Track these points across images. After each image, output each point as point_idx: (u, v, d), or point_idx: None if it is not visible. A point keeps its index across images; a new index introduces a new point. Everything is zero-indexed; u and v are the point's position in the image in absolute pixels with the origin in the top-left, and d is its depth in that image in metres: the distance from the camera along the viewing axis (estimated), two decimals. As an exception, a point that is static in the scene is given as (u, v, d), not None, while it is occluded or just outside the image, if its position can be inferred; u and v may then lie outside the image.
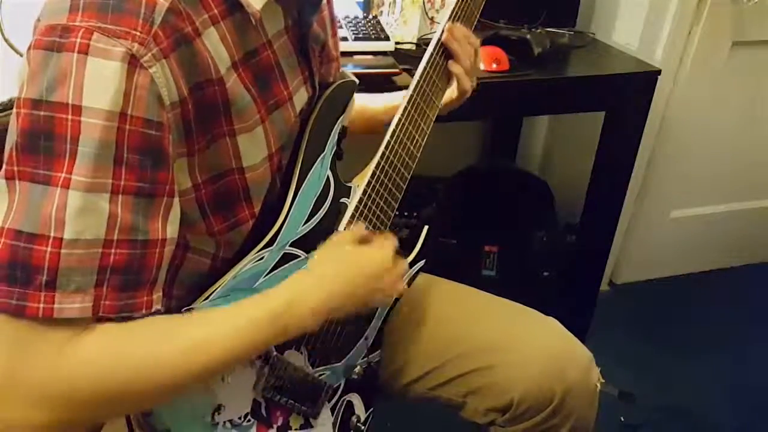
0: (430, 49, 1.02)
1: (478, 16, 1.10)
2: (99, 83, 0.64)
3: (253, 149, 0.79)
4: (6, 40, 1.24)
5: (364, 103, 1.14)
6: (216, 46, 0.73)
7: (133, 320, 0.70)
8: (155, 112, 0.67)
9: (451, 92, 1.07)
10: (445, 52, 1.03)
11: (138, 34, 0.65)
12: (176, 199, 0.73)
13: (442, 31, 1.01)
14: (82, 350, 0.67)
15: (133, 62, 0.65)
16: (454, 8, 1.04)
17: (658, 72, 1.74)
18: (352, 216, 0.90)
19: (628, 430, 1.78)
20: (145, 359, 0.70)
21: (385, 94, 1.17)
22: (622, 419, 1.79)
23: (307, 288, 0.80)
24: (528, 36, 1.66)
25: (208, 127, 0.74)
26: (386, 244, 0.88)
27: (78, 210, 0.64)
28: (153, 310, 0.71)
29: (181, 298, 0.83)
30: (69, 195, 0.64)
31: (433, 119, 1.02)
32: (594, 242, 1.98)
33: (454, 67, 1.03)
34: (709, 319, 2.20)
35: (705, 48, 1.98)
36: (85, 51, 0.64)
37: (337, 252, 0.86)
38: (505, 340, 1.06)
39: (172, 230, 0.72)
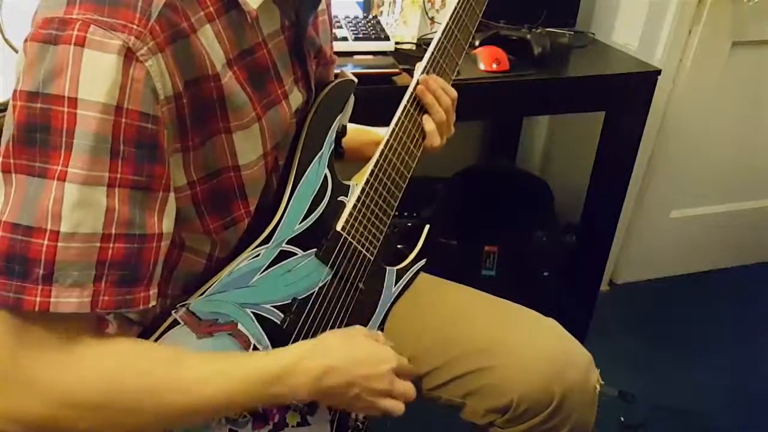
0: (431, 46, 1.01)
1: (480, 15, 1.10)
2: (95, 76, 0.64)
3: (248, 147, 0.80)
4: (6, 40, 1.24)
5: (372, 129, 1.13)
6: (211, 43, 0.73)
7: (145, 342, 0.72)
8: (151, 106, 0.67)
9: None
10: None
11: (135, 27, 0.65)
12: (172, 194, 0.73)
13: (416, 83, 0.99)
14: (93, 358, 0.68)
15: (129, 55, 0.65)
16: (455, 6, 1.04)
17: (658, 72, 1.74)
18: (350, 214, 0.90)
19: (628, 431, 1.78)
20: (140, 383, 0.71)
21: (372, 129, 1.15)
22: (622, 419, 1.79)
23: (307, 356, 0.79)
24: (528, 36, 1.66)
25: (204, 123, 0.74)
26: (398, 356, 0.87)
27: (75, 203, 0.64)
28: (150, 305, 0.71)
29: (176, 297, 0.83)
30: (65, 188, 0.64)
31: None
32: (594, 242, 1.98)
33: (427, 124, 1.00)
34: (709, 319, 2.20)
35: (705, 48, 1.98)
36: (81, 43, 0.64)
37: (349, 335, 0.86)
38: (505, 341, 1.06)
39: (167, 225, 0.72)
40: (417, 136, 0.99)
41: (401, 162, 0.97)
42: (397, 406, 0.85)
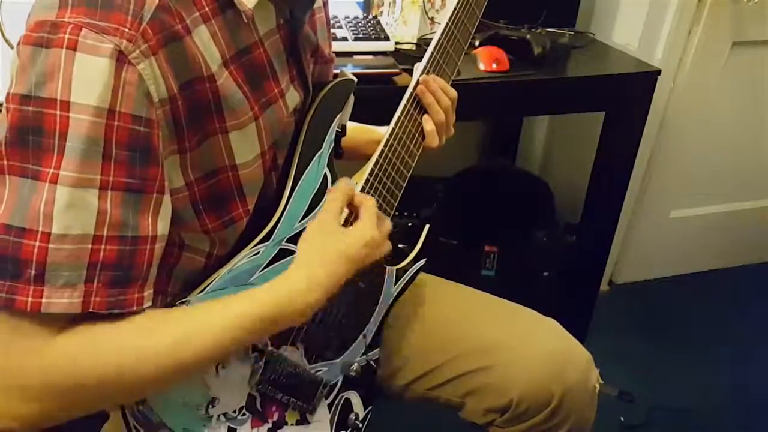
0: (432, 44, 1.01)
1: (480, 16, 1.10)
2: (87, 79, 0.64)
3: (246, 147, 0.80)
4: (6, 41, 1.24)
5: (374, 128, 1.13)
6: (207, 44, 0.73)
7: (122, 316, 0.71)
8: (143, 109, 0.67)
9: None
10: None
11: (126, 30, 0.65)
12: (167, 196, 0.73)
13: (416, 82, 0.99)
14: (65, 343, 0.68)
15: (121, 59, 0.65)
16: (455, 7, 1.04)
17: (658, 72, 1.74)
18: (350, 213, 0.90)
19: (628, 431, 1.78)
20: (128, 353, 0.70)
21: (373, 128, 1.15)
22: (622, 419, 1.79)
23: (295, 278, 0.79)
24: (528, 36, 1.66)
25: (200, 124, 0.74)
26: (366, 215, 0.85)
27: (65, 205, 0.65)
28: (144, 307, 0.71)
29: (176, 295, 0.83)
30: (57, 190, 0.64)
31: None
32: (594, 242, 1.98)
33: (426, 124, 1.00)
34: (709, 319, 2.20)
35: (705, 48, 1.98)
36: (73, 47, 0.64)
37: (321, 240, 0.83)
38: (504, 341, 1.06)
39: (162, 227, 0.72)
40: (417, 135, 0.99)
41: (401, 161, 0.97)
42: (385, 250, 0.87)
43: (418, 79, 0.99)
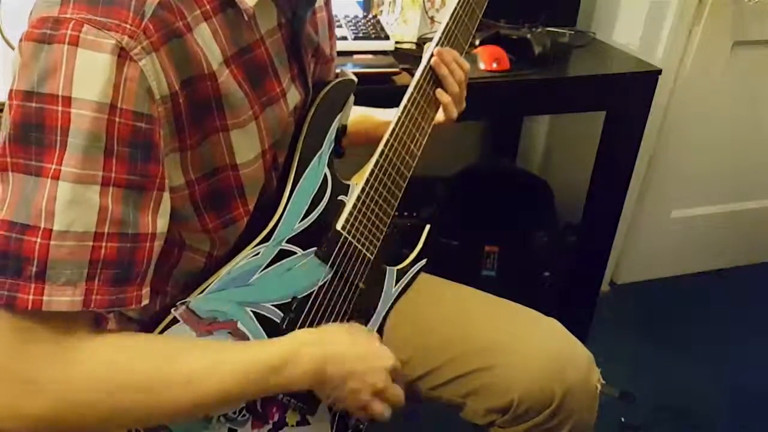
0: (432, 43, 1.01)
1: (480, 15, 1.09)
2: (89, 75, 0.64)
3: (246, 145, 0.79)
4: (5, 40, 1.24)
5: (373, 113, 1.14)
6: (208, 42, 0.73)
7: (146, 336, 0.72)
8: (145, 105, 0.67)
9: (438, 116, 1.05)
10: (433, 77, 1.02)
11: (128, 26, 0.65)
12: (166, 194, 0.73)
13: (422, 72, 0.99)
14: (85, 355, 0.68)
15: (122, 55, 0.65)
16: (455, 7, 1.04)
17: (659, 72, 1.74)
18: (350, 213, 0.90)
19: (629, 431, 1.78)
20: (140, 378, 0.71)
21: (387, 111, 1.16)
22: (623, 419, 1.79)
23: (308, 343, 0.80)
24: (528, 35, 1.66)
25: (201, 122, 0.74)
26: (395, 357, 0.87)
27: (68, 201, 0.65)
28: (142, 304, 0.72)
29: (176, 295, 0.83)
30: (59, 186, 0.64)
31: (434, 117, 1.02)
32: (594, 242, 1.98)
33: (442, 96, 1.02)
34: (709, 319, 2.20)
35: (706, 48, 1.98)
36: (75, 43, 0.64)
37: (351, 329, 0.86)
38: (505, 341, 1.06)
39: (162, 224, 0.72)
40: (417, 135, 0.99)
41: (401, 161, 0.97)
42: (387, 411, 0.86)
43: (432, 52, 0.99)
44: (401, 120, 0.96)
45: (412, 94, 0.98)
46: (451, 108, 1.04)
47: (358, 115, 1.11)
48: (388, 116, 1.10)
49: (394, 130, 0.95)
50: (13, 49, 1.23)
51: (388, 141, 0.95)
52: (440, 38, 1.01)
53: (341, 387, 0.82)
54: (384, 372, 0.84)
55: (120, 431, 0.79)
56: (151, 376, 0.71)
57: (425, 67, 1.00)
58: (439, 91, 1.02)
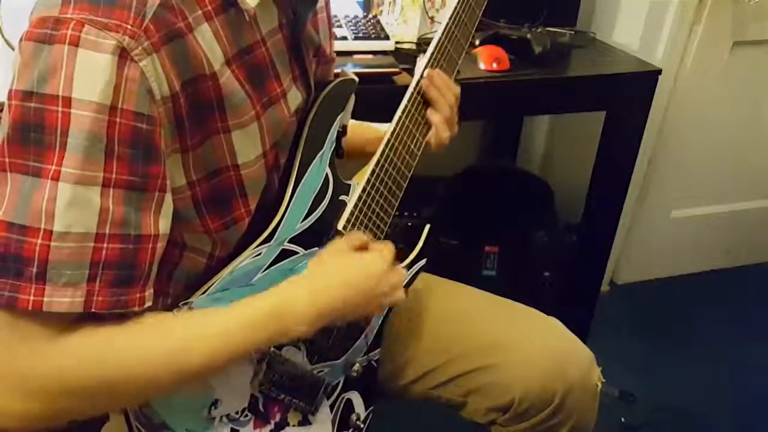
0: (431, 47, 1.01)
1: (480, 15, 1.09)
2: (89, 75, 0.64)
3: (248, 146, 0.79)
4: (5, 40, 1.24)
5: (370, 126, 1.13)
6: (209, 43, 0.73)
7: (125, 317, 0.71)
8: (146, 106, 0.67)
9: (428, 138, 1.02)
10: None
11: (129, 27, 0.65)
12: (168, 195, 0.73)
13: (421, 76, 0.98)
14: (71, 343, 0.68)
15: (123, 55, 0.65)
16: (455, 7, 1.04)
17: (659, 72, 1.74)
18: (351, 213, 0.90)
19: (629, 431, 1.78)
20: (131, 355, 0.70)
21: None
22: (623, 419, 1.79)
23: (299, 292, 0.79)
24: (528, 35, 1.66)
25: (202, 123, 0.74)
26: (384, 251, 0.87)
27: (68, 202, 0.64)
28: (145, 306, 0.71)
29: (178, 296, 0.83)
30: (59, 187, 0.64)
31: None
32: (594, 242, 1.98)
33: (433, 116, 0.99)
34: (709, 319, 2.20)
35: (705, 48, 1.98)
36: (75, 43, 0.64)
37: (333, 259, 0.85)
38: (506, 340, 1.06)
39: (164, 226, 0.72)
40: (418, 135, 0.99)
41: (402, 161, 0.97)
42: (396, 297, 0.86)
43: (421, 75, 0.98)
44: (401, 120, 0.96)
45: (412, 93, 0.98)
46: (442, 128, 1.00)
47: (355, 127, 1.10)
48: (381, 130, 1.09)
49: (394, 129, 0.95)
50: (13, 49, 1.23)
51: (388, 141, 0.95)
52: (429, 60, 0.99)
53: (343, 312, 0.82)
54: (378, 277, 0.84)
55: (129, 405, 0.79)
56: (144, 347, 0.71)
57: (413, 89, 0.98)
58: (430, 111, 0.99)
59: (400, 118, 0.96)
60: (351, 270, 0.83)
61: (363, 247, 0.87)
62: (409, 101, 0.98)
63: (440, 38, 1.02)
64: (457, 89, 1.03)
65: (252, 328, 0.75)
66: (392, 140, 0.95)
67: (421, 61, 1.01)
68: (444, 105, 0.99)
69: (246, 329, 0.75)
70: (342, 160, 0.94)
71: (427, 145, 1.01)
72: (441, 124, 0.99)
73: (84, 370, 0.68)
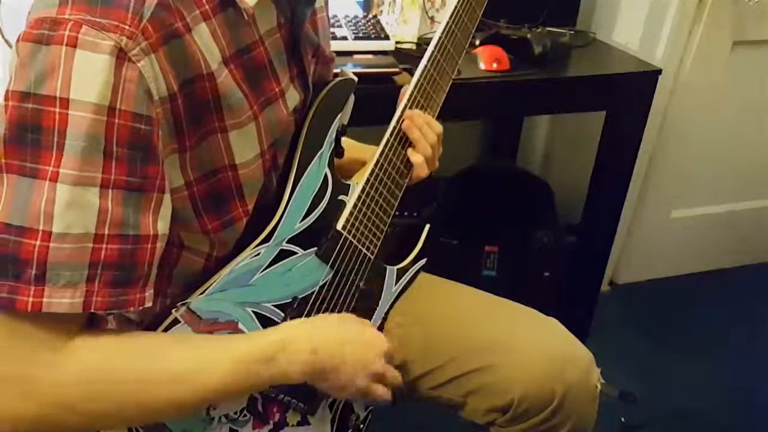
0: (425, 59, 1.00)
1: (480, 15, 1.09)
2: (87, 76, 0.64)
3: (245, 146, 0.79)
4: (5, 40, 1.24)
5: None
6: (207, 42, 0.73)
7: (130, 334, 0.72)
8: (144, 107, 0.67)
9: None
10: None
11: (127, 27, 0.65)
12: (167, 195, 0.73)
13: (401, 116, 0.96)
14: (77, 357, 0.68)
15: (121, 56, 0.65)
16: (456, 6, 1.03)
17: (659, 72, 1.74)
18: (351, 213, 0.90)
19: (629, 431, 1.78)
20: (134, 376, 0.71)
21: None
22: (623, 419, 1.78)
23: (299, 333, 0.80)
24: (528, 35, 1.66)
25: (200, 123, 0.74)
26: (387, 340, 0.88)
27: (66, 204, 0.64)
28: (145, 306, 0.71)
29: (176, 296, 0.83)
30: (57, 188, 0.64)
31: (434, 117, 1.02)
32: (594, 242, 1.98)
33: (414, 157, 0.98)
34: (709, 319, 2.20)
35: (706, 48, 1.98)
36: (73, 44, 0.64)
37: (341, 317, 0.87)
38: (506, 340, 1.06)
39: (163, 226, 0.72)
40: (402, 167, 0.99)
41: (402, 161, 0.97)
42: (387, 394, 0.87)
43: (403, 112, 0.96)
44: (401, 120, 0.96)
45: (412, 93, 0.98)
46: (423, 168, 0.99)
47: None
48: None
49: (394, 129, 0.95)
50: (12, 48, 1.23)
51: (388, 141, 0.95)
52: (413, 91, 0.97)
53: (337, 376, 0.81)
54: (378, 356, 0.84)
55: (119, 429, 0.79)
56: (139, 375, 0.71)
57: (395, 125, 0.97)
58: (410, 151, 0.98)
59: (400, 117, 0.96)
60: (350, 332, 0.84)
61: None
62: (409, 99, 0.98)
63: (440, 38, 1.02)
64: (440, 127, 1.00)
65: (249, 366, 0.76)
66: (392, 140, 0.95)
67: (407, 86, 0.99)
68: (425, 145, 0.97)
69: (243, 366, 0.76)
70: (340, 160, 0.94)
71: (411, 177, 1.00)
72: (422, 165, 0.98)
73: (86, 386, 0.69)
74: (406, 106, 0.97)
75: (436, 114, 1.03)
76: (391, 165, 0.95)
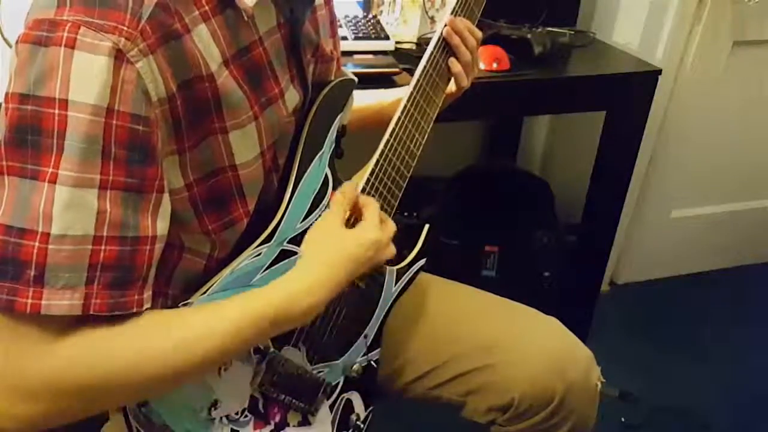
0: (430, 47, 1.02)
1: (479, 15, 1.10)
2: (86, 78, 0.64)
3: (245, 146, 0.79)
4: (5, 40, 1.24)
5: (380, 98, 1.15)
6: (206, 43, 0.73)
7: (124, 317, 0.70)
8: (142, 108, 0.67)
9: (449, 87, 1.07)
10: (446, 48, 1.03)
11: (125, 28, 0.65)
12: (166, 196, 0.73)
13: (444, 26, 1.01)
14: (67, 346, 0.67)
15: (119, 57, 0.65)
16: (454, 6, 1.04)
17: (659, 72, 1.74)
18: (352, 216, 0.90)
19: (629, 431, 1.78)
20: (135, 352, 0.70)
21: (394, 90, 1.17)
22: (623, 419, 1.79)
23: (297, 279, 0.80)
24: (528, 35, 1.66)
25: (199, 124, 0.74)
26: (370, 217, 0.87)
27: (65, 205, 0.64)
28: (144, 308, 0.71)
29: (177, 297, 0.83)
30: (56, 190, 0.64)
31: (434, 117, 1.02)
32: (594, 242, 1.98)
33: (454, 66, 1.03)
34: (709, 319, 2.20)
35: (706, 48, 1.98)
36: (72, 45, 0.64)
37: (324, 242, 0.84)
38: (506, 339, 1.06)
39: (162, 227, 0.72)
40: (417, 135, 0.99)
41: (401, 161, 0.97)
42: (390, 252, 0.88)
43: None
44: (401, 120, 0.96)
45: (412, 91, 0.98)
46: (462, 78, 1.05)
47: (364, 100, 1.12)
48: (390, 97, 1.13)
49: (393, 130, 0.95)
50: (11, 48, 1.23)
51: (388, 141, 0.95)
52: (452, 11, 1.03)
53: (347, 281, 0.83)
54: (374, 251, 0.85)
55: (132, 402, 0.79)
56: (147, 344, 0.70)
57: (438, 39, 1.02)
58: (451, 60, 1.03)
59: (400, 117, 0.96)
60: (344, 252, 0.83)
61: (354, 211, 0.88)
62: (408, 100, 0.98)
63: (439, 38, 1.02)
64: (479, 33, 1.06)
65: (254, 317, 0.75)
66: (391, 141, 0.95)
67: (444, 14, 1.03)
68: (465, 51, 1.03)
69: (249, 318, 0.75)
70: (341, 160, 0.95)
71: (448, 93, 1.05)
72: (461, 74, 1.04)
73: (83, 372, 0.68)
74: (406, 103, 0.97)
75: (435, 114, 1.03)
76: (391, 165, 0.95)
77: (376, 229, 0.86)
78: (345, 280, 0.82)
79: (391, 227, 0.90)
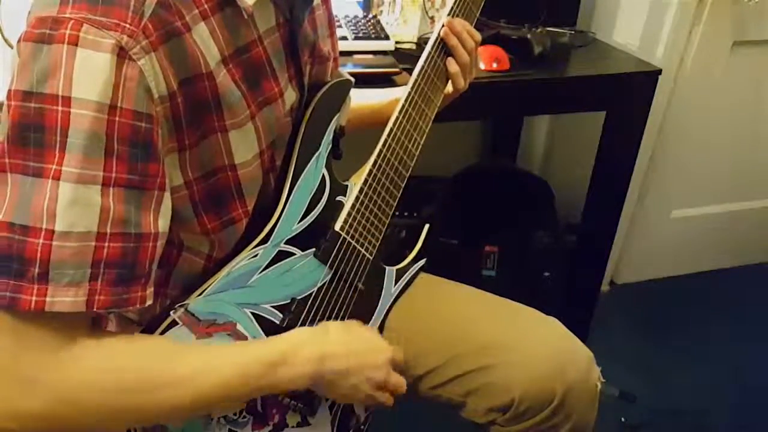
0: (428, 47, 1.02)
1: (477, 14, 1.10)
2: (88, 75, 0.64)
3: (244, 146, 0.79)
4: (5, 40, 1.24)
5: (378, 98, 1.15)
6: (206, 42, 0.73)
7: (134, 335, 0.72)
8: (144, 105, 0.67)
9: (447, 88, 1.07)
10: (444, 49, 1.03)
11: (127, 26, 0.65)
12: (167, 193, 0.73)
13: (441, 26, 1.01)
14: (84, 355, 0.68)
15: (122, 54, 0.65)
16: (452, 6, 1.04)
17: (659, 72, 1.74)
18: (349, 214, 0.90)
19: (629, 431, 1.78)
20: (138, 377, 0.71)
21: (393, 90, 1.17)
22: (623, 419, 1.78)
23: (306, 340, 0.81)
24: (528, 35, 1.66)
25: (199, 122, 0.74)
26: (393, 348, 0.89)
27: (69, 202, 0.64)
28: (146, 304, 0.71)
29: (175, 297, 0.83)
30: (60, 187, 0.64)
31: (432, 118, 1.02)
32: (594, 242, 1.98)
33: (451, 67, 1.03)
34: (709, 319, 2.20)
35: (706, 48, 1.98)
36: (74, 42, 0.64)
37: (348, 325, 0.88)
38: (506, 340, 1.06)
39: (163, 224, 0.72)
40: (415, 135, 0.99)
41: (400, 162, 0.97)
42: (390, 400, 0.88)
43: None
44: (399, 120, 0.96)
45: (410, 91, 0.98)
46: (459, 79, 1.04)
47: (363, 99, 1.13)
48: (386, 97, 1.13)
49: (391, 130, 0.95)
50: (12, 47, 1.23)
51: (386, 141, 0.94)
52: (450, 11, 1.02)
53: (341, 384, 0.82)
54: (383, 365, 0.85)
55: (120, 430, 0.79)
56: (149, 375, 0.72)
57: (436, 38, 1.01)
58: (449, 60, 1.03)
59: (398, 117, 0.96)
60: (356, 340, 0.86)
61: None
62: (406, 100, 0.98)
63: (438, 38, 1.02)
64: (478, 35, 1.05)
65: (257, 372, 0.77)
66: (389, 141, 0.95)
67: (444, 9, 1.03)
68: (463, 52, 1.03)
69: (251, 371, 0.76)
70: (340, 161, 0.94)
71: (446, 93, 1.05)
72: (458, 75, 1.04)
73: (92, 386, 0.69)
74: (404, 103, 0.97)
75: (433, 114, 1.03)
76: (389, 166, 0.95)
77: (390, 352, 0.87)
78: (344, 358, 0.83)
79: (401, 379, 0.89)
